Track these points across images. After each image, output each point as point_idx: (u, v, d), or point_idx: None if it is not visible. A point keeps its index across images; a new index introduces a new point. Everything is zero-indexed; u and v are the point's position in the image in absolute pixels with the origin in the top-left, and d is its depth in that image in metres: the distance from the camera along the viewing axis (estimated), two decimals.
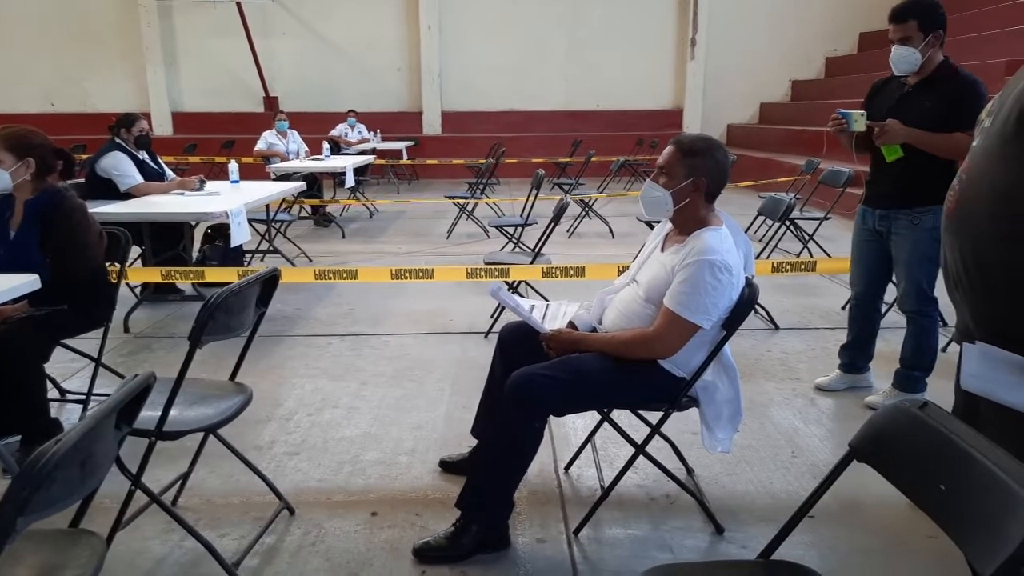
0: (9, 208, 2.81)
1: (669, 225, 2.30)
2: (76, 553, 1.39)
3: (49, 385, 3.11)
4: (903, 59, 2.86)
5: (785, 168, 9.34)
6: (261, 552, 2.18)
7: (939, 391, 3.07)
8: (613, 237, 7.25)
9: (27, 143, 2.76)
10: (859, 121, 2.89)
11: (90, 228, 2.84)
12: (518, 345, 2.38)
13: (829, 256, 5.58)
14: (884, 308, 3.43)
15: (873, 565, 2.14)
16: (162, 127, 13.27)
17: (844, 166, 5.53)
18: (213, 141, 11.66)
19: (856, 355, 3.35)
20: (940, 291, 3.00)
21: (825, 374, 3.47)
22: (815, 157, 7.19)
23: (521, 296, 2.87)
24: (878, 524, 2.32)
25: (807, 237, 5.73)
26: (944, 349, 3.83)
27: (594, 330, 2.34)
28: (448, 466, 2.64)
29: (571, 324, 2.37)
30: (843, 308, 4.62)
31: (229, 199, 4.82)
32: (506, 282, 3.92)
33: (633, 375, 2.11)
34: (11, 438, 2.67)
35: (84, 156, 9.84)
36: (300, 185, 6.09)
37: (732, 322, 2.12)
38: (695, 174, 2.13)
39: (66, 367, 3.49)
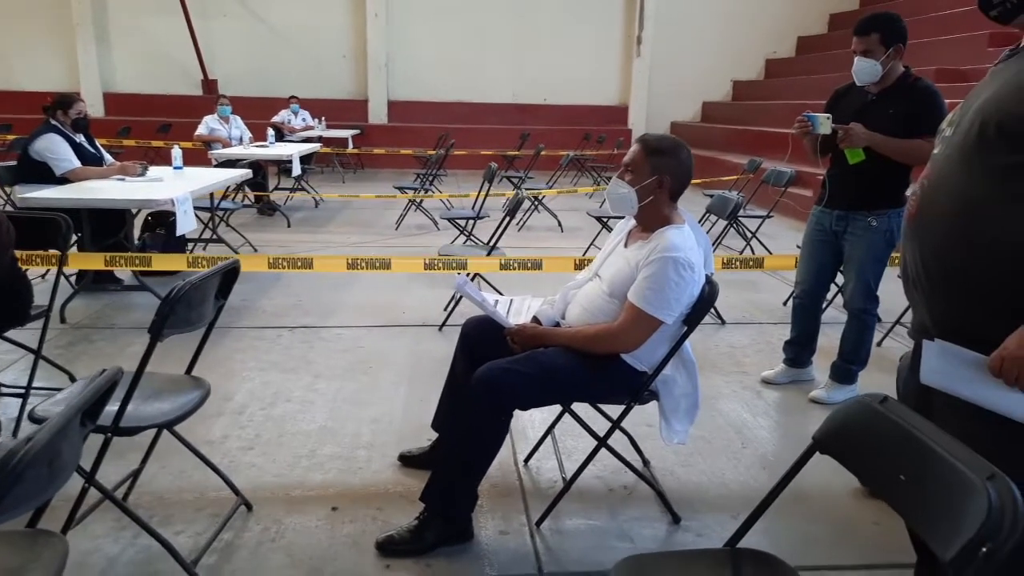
0: None
1: (632, 221, 2.34)
2: (37, 553, 1.34)
3: None
4: (864, 71, 2.96)
5: (728, 167, 9.60)
6: (219, 549, 2.14)
7: (872, 383, 3.24)
8: (562, 231, 7.32)
9: None
10: (824, 124, 2.97)
11: None
12: (481, 339, 2.39)
13: (771, 253, 5.77)
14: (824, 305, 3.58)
15: (822, 551, 2.24)
16: (94, 108, 12.62)
17: (787, 167, 5.71)
18: (148, 124, 11.22)
19: (800, 350, 3.48)
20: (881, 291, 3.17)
21: (770, 367, 3.60)
22: (780, 158, 7.35)
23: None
24: (824, 512, 2.43)
25: (750, 235, 5.90)
26: (879, 344, 4.02)
27: (557, 325, 2.36)
28: (408, 460, 2.64)
29: (535, 319, 2.39)
30: (784, 304, 4.80)
31: (174, 186, 4.66)
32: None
33: (597, 369, 2.15)
34: None
35: (10, 137, 9.39)
36: (247, 172, 5.93)
37: (693, 318, 2.18)
38: (660, 172, 2.18)
39: (0, 359, 3.33)
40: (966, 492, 1.11)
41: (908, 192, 2.98)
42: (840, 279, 3.40)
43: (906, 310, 4.09)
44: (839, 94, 3.24)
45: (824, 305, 3.54)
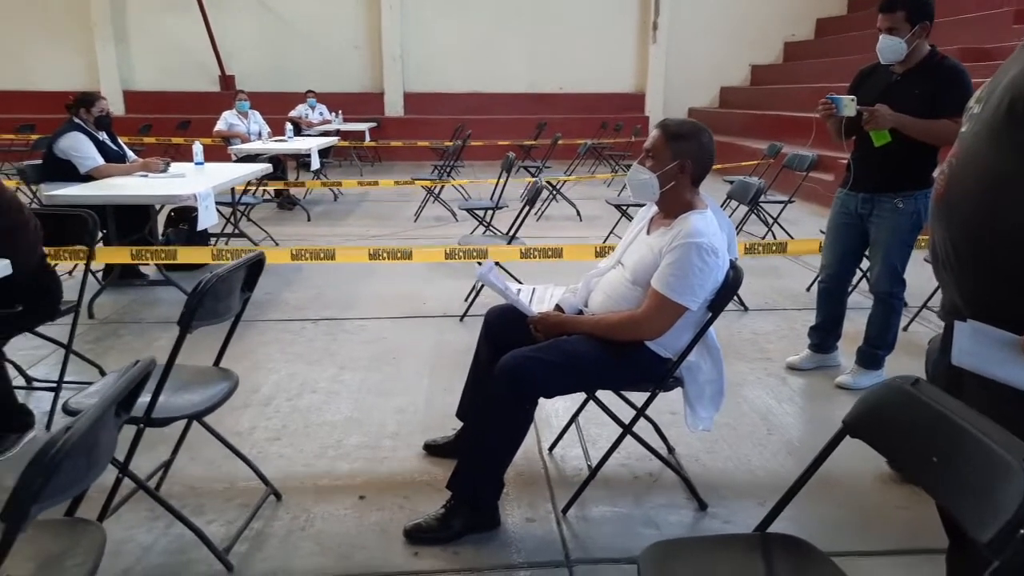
0: None
1: (654, 208, 2.33)
2: (76, 541, 1.38)
3: (15, 373, 3.04)
4: (889, 48, 2.91)
5: (747, 152, 9.50)
6: (250, 538, 2.17)
7: (899, 368, 3.20)
8: (581, 220, 7.30)
9: None
10: (849, 106, 2.93)
11: (27, 223, 2.65)
12: (504, 328, 2.39)
13: (793, 239, 5.71)
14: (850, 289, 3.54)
15: (852, 536, 2.22)
16: (113, 106, 12.71)
17: (808, 151, 5.65)
18: (167, 121, 11.34)
19: (825, 336, 3.44)
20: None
21: (794, 353, 3.57)
22: (800, 142, 7.27)
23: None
24: (852, 497, 2.41)
25: (771, 220, 5.84)
26: (906, 328, 3.98)
27: (580, 313, 2.36)
28: (433, 449, 2.65)
29: (557, 307, 2.39)
30: (807, 289, 4.76)
31: (196, 181, 4.71)
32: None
33: (621, 357, 2.15)
34: None
35: (34, 136, 9.53)
36: (267, 167, 5.97)
37: (717, 304, 2.17)
38: (681, 157, 2.16)
39: (31, 354, 3.39)
40: (1003, 473, 1.10)
41: (935, 172, 2.94)
42: (866, 263, 3.36)
43: (933, 294, 4.04)
44: (863, 74, 3.19)
45: (849, 289, 3.50)
